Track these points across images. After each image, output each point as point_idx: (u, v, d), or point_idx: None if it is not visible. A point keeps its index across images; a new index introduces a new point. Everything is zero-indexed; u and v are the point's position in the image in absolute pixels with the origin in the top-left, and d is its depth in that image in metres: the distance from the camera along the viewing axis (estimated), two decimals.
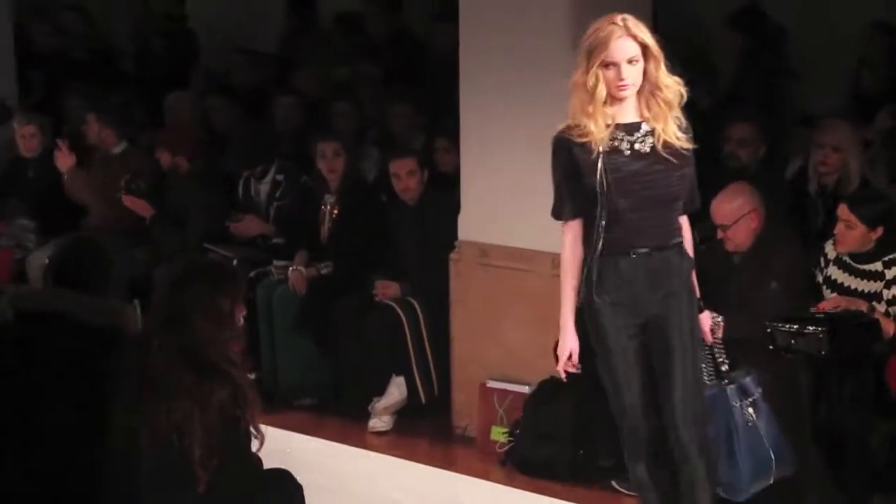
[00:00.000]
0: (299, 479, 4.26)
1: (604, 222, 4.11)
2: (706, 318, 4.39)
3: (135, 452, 3.88)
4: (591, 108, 4.07)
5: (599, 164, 4.07)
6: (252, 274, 6.62)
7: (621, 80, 4.05)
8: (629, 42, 4.05)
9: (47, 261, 4.98)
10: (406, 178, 6.41)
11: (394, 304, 6.30)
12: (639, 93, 4.11)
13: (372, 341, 6.33)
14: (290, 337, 6.57)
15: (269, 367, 6.60)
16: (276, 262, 6.75)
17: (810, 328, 4.79)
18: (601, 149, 4.08)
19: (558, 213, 4.26)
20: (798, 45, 7.76)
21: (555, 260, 5.93)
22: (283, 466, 4.25)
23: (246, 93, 8.48)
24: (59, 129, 7.87)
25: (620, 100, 4.10)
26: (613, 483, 5.41)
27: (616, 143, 4.10)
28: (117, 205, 7.28)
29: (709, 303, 4.42)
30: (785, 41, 7.83)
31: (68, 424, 4.18)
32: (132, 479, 3.90)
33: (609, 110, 4.09)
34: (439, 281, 6.16)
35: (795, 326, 4.81)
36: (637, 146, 4.11)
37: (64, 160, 7.39)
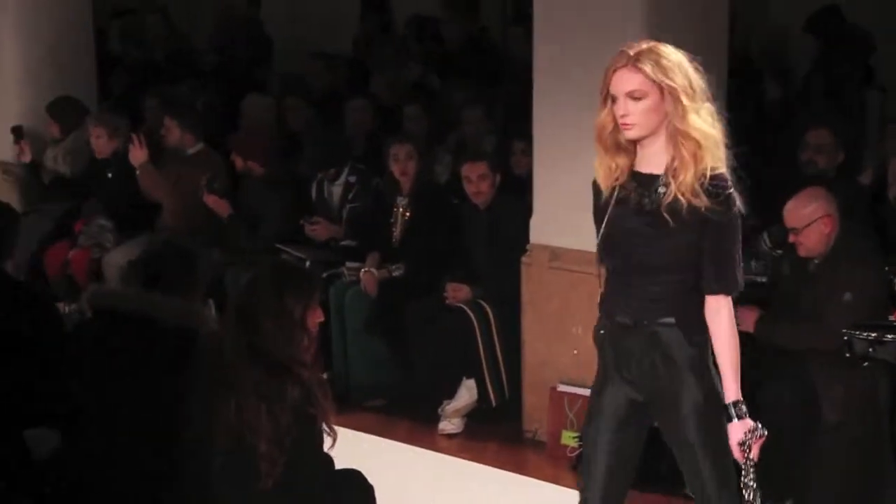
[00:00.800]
0: (370, 479, 4.28)
1: (603, 281, 3.78)
2: (738, 429, 3.64)
3: (207, 449, 3.92)
4: (599, 147, 3.69)
5: (607, 215, 3.69)
6: (324, 275, 6.66)
7: (620, 115, 3.59)
8: (632, 74, 3.57)
9: (128, 262, 5.00)
10: (478, 181, 6.42)
11: (465, 307, 6.31)
12: (669, 140, 3.59)
13: (443, 344, 6.35)
14: (362, 338, 6.61)
15: (340, 368, 6.64)
16: (348, 264, 6.79)
17: (889, 336, 4.71)
18: (614, 197, 3.67)
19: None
20: (882, 52, 7.64)
21: None
22: (354, 467, 4.27)
23: (320, 96, 8.55)
24: (136, 131, 7.96)
25: (637, 143, 3.63)
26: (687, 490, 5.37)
27: (625, 194, 3.66)
28: (190, 204, 7.35)
29: (783, 310, 4.30)
30: (866, 46, 7.71)
31: (143, 422, 4.22)
32: (205, 476, 3.94)
33: (622, 156, 3.65)
34: (510, 284, 6.16)
35: (874, 335, 4.73)
36: (645, 201, 3.62)
37: (136, 154, 7.47)
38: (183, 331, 4.25)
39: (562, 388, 5.95)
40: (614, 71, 3.61)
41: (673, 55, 3.58)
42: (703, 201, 3.54)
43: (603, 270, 3.79)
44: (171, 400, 4.06)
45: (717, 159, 3.58)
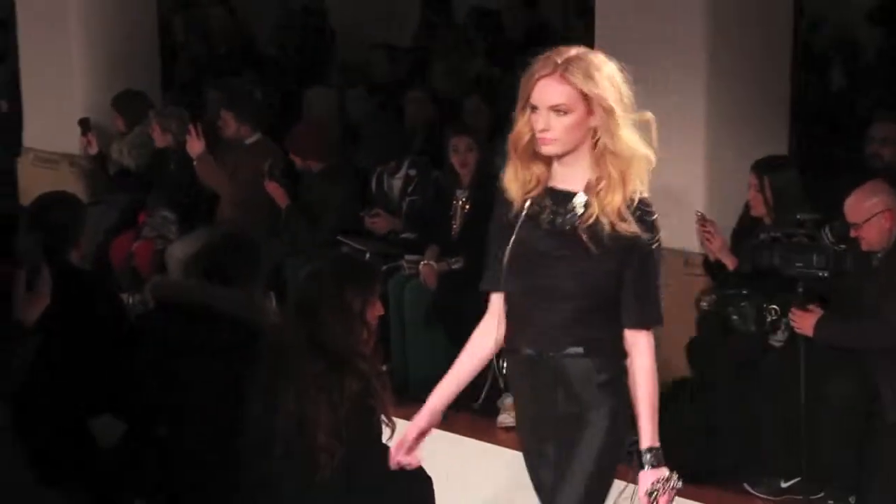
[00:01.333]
0: (428, 471, 4.29)
1: (506, 306, 3.41)
2: (648, 477, 3.30)
3: (268, 440, 3.94)
4: (514, 157, 3.31)
5: (515, 232, 3.30)
6: (384, 268, 6.68)
7: (540, 129, 3.21)
8: (558, 85, 3.19)
9: (190, 254, 5.03)
10: None
11: None
12: (595, 157, 3.24)
13: None
14: (421, 331, 6.61)
15: (399, 360, 6.66)
16: (407, 257, 6.80)
17: None
18: (524, 213, 3.29)
19: (482, 281, 3.49)
20: None
21: (688, 259, 5.91)
22: None
23: (381, 87, 8.57)
24: (197, 122, 8.05)
25: (555, 157, 3.26)
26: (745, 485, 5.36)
27: (537, 211, 3.28)
28: (248, 195, 7.41)
29: (846, 305, 4.22)
30: None
31: (205, 412, 4.26)
32: (265, 466, 3.97)
33: (537, 169, 3.28)
34: None
35: None
36: (559, 220, 3.26)
37: (194, 145, 7.53)
38: (243, 323, 4.28)
39: None
40: (538, 79, 3.23)
41: (605, 65, 3.23)
42: (630, 227, 3.22)
43: (495, 296, 3.45)
44: (231, 391, 4.10)
45: (644, 181, 3.26)
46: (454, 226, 6.82)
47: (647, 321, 3.34)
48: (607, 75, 3.22)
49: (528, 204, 3.30)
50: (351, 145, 7.66)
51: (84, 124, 8.29)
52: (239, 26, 10.43)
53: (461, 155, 6.71)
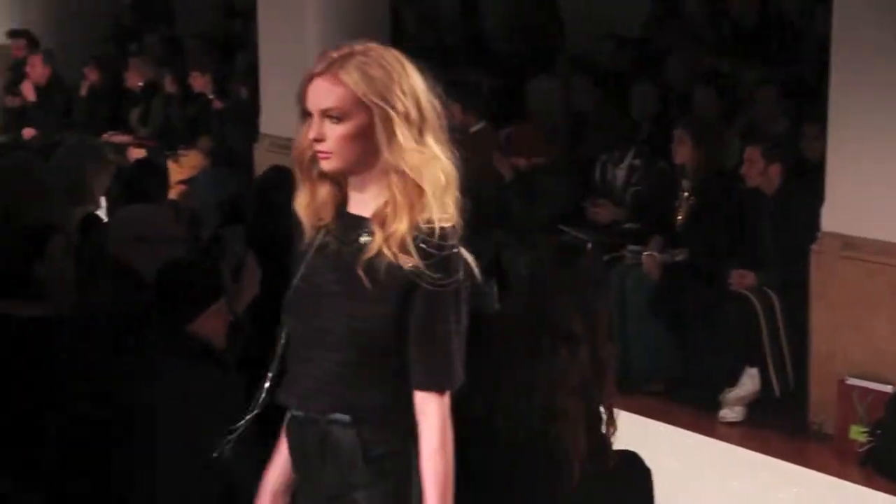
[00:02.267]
0: (647, 463, 4.25)
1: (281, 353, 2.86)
2: None
3: (490, 430, 3.94)
4: (301, 176, 2.78)
5: (302, 266, 2.78)
6: (606, 258, 6.65)
7: (313, 139, 2.69)
8: (330, 86, 2.66)
9: None
10: (748, 165, 6.28)
11: (749, 294, 6.17)
12: (383, 177, 2.68)
13: (725, 330, 6.24)
14: (642, 322, 6.56)
15: (618, 351, 6.61)
16: (630, 247, 6.76)
17: None
18: (316, 242, 2.76)
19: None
20: None
21: None
22: (631, 449, 4.25)
23: (608, 77, 8.52)
24: None
25: (343, 176, 2.72)
26: None
27: (327, 240, 2.74)
28: (471, 183, 7.45)
29: None
30: None
31: None
32: (487, 457, 3.98)
33: (328, 189, 2.74)
34: (798, 272, 5.98)
35: None
36: (345, 251, 2.70)
37: None
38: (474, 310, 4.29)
39: (851, 381, 5.76)
40: (311, 79, 2.71)
41: (393, 63, 2.69)
42: (411, 261, 2.62)
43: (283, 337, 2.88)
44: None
45: (447, 209, 2.69)
46: (678, 217, 6.73)
47: (432, 382, 2.71)
48: (396, 75, 2.66)
49: (320, 233, 2.75)
50: (575, 134, 7.65)
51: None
52: (469, 17, 10.54)
53: (687, 147, 6.62)
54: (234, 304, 4.28)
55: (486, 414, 3.93)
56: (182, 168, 9.27)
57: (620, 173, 7.11)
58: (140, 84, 10.10)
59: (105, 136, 9.73)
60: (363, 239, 2.67)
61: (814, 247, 5.96)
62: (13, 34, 10.71)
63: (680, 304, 6.41)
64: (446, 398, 2.75)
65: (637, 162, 7.05)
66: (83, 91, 10.48)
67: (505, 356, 3.94)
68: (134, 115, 10.09)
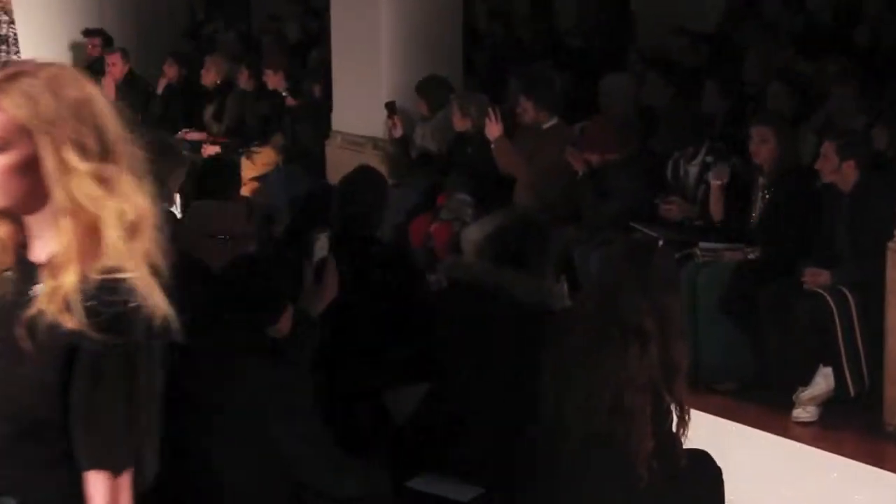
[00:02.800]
0: (718, 462, 4.23)
1: None
2: None
3: (561, 428, 3.93)
4: None
5: None
6: (677, 255, 6.60)
7: None
8: None
9: (484, 236, 5.09)
10: (822, 161, 6.20)
11: (824, 292, 6.09)
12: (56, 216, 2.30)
13: (799, 329, 6.16)
14: (714, 320, 6.50)
15: (689, 349, 6.55)
16: (702, 244, 6.70)
17: None
18: None
19: None
20: None
21: None
22: (701, 448, 4.22)
23: (681, 73, 8.46)
24: (496, 107, 8.14)
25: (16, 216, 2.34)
26: None
27: (3, 292, 2.35)
28: (544, 179, 7.47)
29: None
30: None
31: (496, 392, 4.32)
32: (555, 454, 3.97)
33: (6, 228, 2.36)
34: (874, 270, 5.90)
35: None
36: (14, 306, 2.31)
37: (492, 129, 7.66)
38: (533, 306, 4.31)
39: None
40: None
41: (69, 85, 2.30)
42: (72, 320, 2.23)
43: None
44: (522, 373, 4.14)
45: (132, 257, 2.29)
46: (753, 214, 6.67)
47: (94, 461, 2.29)
48: (72, 101, 2.28)
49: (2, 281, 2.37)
50: (647, 130, 7.61)
51: (390, 107, 8.56)
52: (540, 13, 10.53)
53: (762, 143, 6.56)
54: (313, 304, 4.34)
55: (555, 411, 3.93)
56: (255, 165, 9.35)
57: (693, 170, 7.05)
58: (215, 82, 10.20)
59: (180, 134, 9.86)
60: (33, 291, 2.29)
61: (890, 244, 5.87)
62: (88, 33, 10.88)
63: (752, 302, 6.35)
64: (122, 481, 2.29)
65: (710, 159, 6.99)
66: (159, 88, 10.62)
67: (574, 353, 3.93)
68: (208, 112, 10.20)
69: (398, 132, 8.54)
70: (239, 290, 3.93)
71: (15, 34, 9.14)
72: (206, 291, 4.09)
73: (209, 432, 3.84)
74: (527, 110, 7.74)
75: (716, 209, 6.74)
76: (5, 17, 9.07)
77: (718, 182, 6.71)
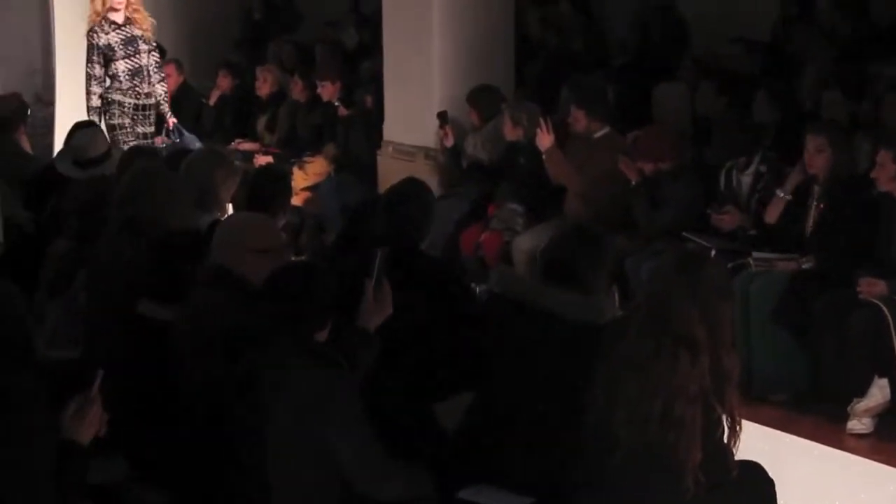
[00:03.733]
0: (771, 474, 4.18)
1: None
2: None
3: (611, 437, 3.90)
4: None
5: None
6: (730, 265, 6.55)
7: None
8: None
9: (538, 251, 4.98)
10: (880, 169, 6.13)
11: (879, 303, 6.02)
12: None
13: (854, 340, 6.08)
14: (767, 330, 6.44)
15: (742, 359, 6.49)
16: (755, 254, 6.65)
17: None
18: None
19: None
20: None
21: None
22: (754, 460, 4.18)
23: (735, 82, 8.40)
24: (547, 117, 8.14)
25: None
26: None
27: None
28: (595, 189, 7.45)
29: None
30: None
31: (543, 405, 4.29)
32: (604, 462, 3.95)
33: None
34: None
35: None
36: None
37: (543, 139, 7.65)
38: (581, 325, 4.26)
39: None
40: None
41: None
42: None
43: None
44: (570, 383, 4.12)
45: None
46: (807, 224, 6.61)
47: None
48: None
49: None
50: (700, 140, 7.56)
51: (442, 117, 8.57)
52: (591, 23, 10.50)
53: (816, 152, 6.50)
54: (370, 321, 4.37)
55: (605, 420, 3.91)
56: (307, 175, 9.40)
57: (746, 179, 7.00)
58: (268, 92, 10.26)
59: (233, 144, 9.93)
60: None
61: None
62: None
63: (806, 312, 6.28)
64: None
65: (763, 168, 6.94)
66: (212, 99, 10.69)
67: (625, 363, 3.91)
68: (261, 122, 10.27)
69: (450, 142, 8.55)
70: (282, 305, 3.97)
71: (157, 62, 9.01)
72: (251, 306, 4.13)
73: (262, 441, 3.87)
74: (578, 120, 7.72)
75: (772, 214, 6.69)
76: (145, 46, 8.88)
77: (782, 195, 6.65)
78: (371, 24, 10.72)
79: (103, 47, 8.76)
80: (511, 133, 8.13)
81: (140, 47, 8.83)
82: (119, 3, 8.77)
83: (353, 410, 3.94)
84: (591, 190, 7.52)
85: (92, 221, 5.50)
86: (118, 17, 8.81)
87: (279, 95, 10.22)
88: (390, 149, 9.12)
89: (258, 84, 10.30)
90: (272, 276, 4.11)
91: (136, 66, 8.83)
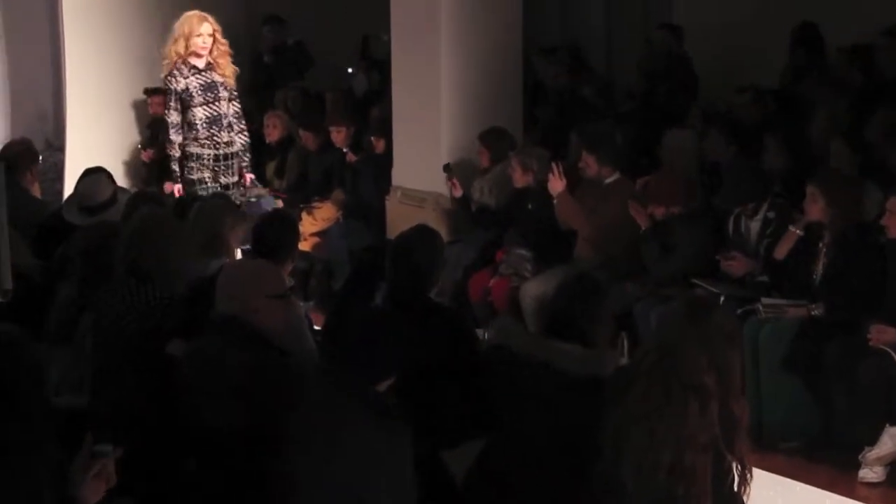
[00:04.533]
0: None
1: None
2: None
3: (620, 487, 3.87)
4: None
5: None
6: (739, 312, 6.53)
7: None
8: None
9: (539, 300, 4.96)
10: (890, 216, 6.11)
11: (890, 350, 5.99)
12: None
13: (865, 388, 6.05)
14: (777, 377, 6.42)
15: (753, 406, 6.46)
16: (764, 301, 6.62)
17: None
18: None
19: None
20: None
21: None
22: None
23: (743, 129, 8.41)
24: (558, 163, 8.14)
25: None
26: None
27: None
28: (606, 233, 7.44)
29: None
30: None
31: (547, 455, 4.27)
32: None
33: None
34: None
35: None
36: None
37: (555, 184, 7.66)
38: (583, 378, 4.24)
39: None
40: None
41: None
42: None
43: None
44: (577, 432, 4.09)
45: None
46: (816, 270, 6.59)
47: None
48: None
49: None
50: (710, 186, 7.56)
51: (448, 168, 8.59)
52: (596, 71, 10.53)
53: (810, 203, 6.52)
54: None
55: (613, 470, 3.88)
56: (316, 220, 9.41)
57: (755, 226, 7.00)
58: (276, 139, 10.28)
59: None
60: None
61: None
62: (150, 91, 11.01)
63: (817, 359, 6.25)
64: None
65: (772, 215, 6.94)
66: None
67: (634, 411, 3.88)
68: (270, 168, 10.29)
69: (458, 192, 8.57)
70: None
71: (237, 111, 8.41)
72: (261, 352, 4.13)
73: (294, 485, 3.85)
74: (589, 165, 7.73)
75: (781, 250, 6.67)
76: (225, 93, 8.29)
77: (794, 230, 6.65)
78: (380, 69, 10.75)
79: (181, 92, 8.18)
80: (521, 179, 8.14)
81: (220, 94, 8.24)
82: (203, 49, 8.18)
83: (406, 471, 3.92)
84: (601, 235, 7.52)
85: (95, 267, 5.52)
86: (199, 62, 8.23)
87: (288, 141, 10.24)
88: (399, 194, 9.13)
89: (267, 131, 10.32)
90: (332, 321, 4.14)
91: (216, 113, 8.25)
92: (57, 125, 11.53)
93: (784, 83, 9.34)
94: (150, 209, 5.89)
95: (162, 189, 10.00)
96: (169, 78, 8.23)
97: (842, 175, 6.88)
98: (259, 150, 10.42)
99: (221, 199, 6.78)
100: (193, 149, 8.25)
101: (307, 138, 9.93)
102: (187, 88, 8.17)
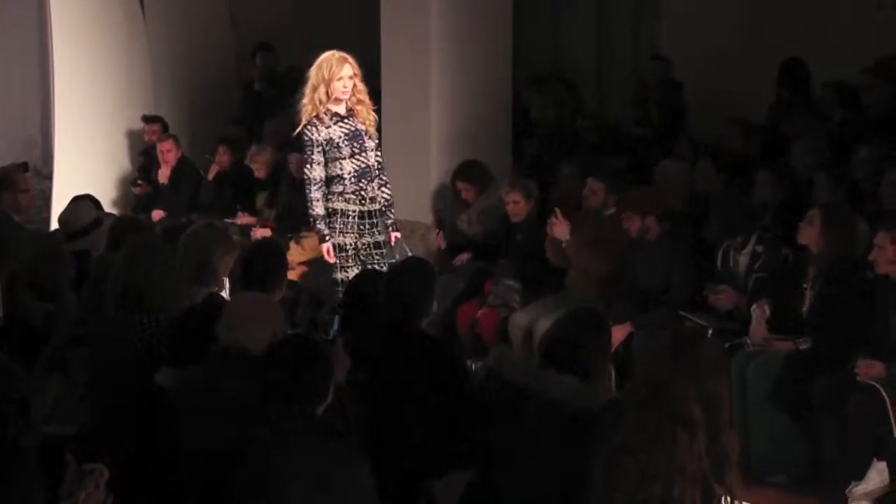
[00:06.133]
0: None
1: None
2: None
3: None
4: None
5: None
6: (726, 345, 6.55)
7: None
8: None
9: (541, 335, 4.90)
10: (877, 251, 6.14)
11: (877, 385, 6.00)
12: None
13: (852, 422, 6.05)
14: (764, 410, 6.42)
15: (740, 440, 6.46)
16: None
17: None
18: None
19: None
20: None
21: None
22: None
23: (732, 162, 8.45)
24: (547, 195, 8.18)
25: None
26: None
27: None
28: (602, 265, 7.46)
29: None
30: None
31: (539, 486, 4.26)
32: None
33: None
34: None
35: None
36: None
37: (561, 229, 7.65)
38: (575, 410, 4.23)
39: None
40: None
41: None
42: None
43: None
44: (565, 464, 4.09)
45: None
46: (804, 305, 6.60)
47: None
48: None
49: None
50: (698, 219, 7.59)
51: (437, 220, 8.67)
52: (581, 104, 10.59)
53: (809, 233, 6.54)
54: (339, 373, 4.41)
55: (603, 502, 3.87)
56: (304, 250, 9.39)
57: (743, 259, 7.02)
58: (264, 175, 10.25)
59: (228, 219, 9.93)
60: None
61: None
62: (148, 119, 11.02)
63: (804, 393, 6.26)
64: None
65: (760, 248, 6.96)
66: (210, 174, 10.71)
67: (623, 444, 3.88)
68: (261, 198, 10.28)
69: (441, 245, 8.74)
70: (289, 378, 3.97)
71: (380, 162, 7.47)
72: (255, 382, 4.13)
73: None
74: (596, 192, 7.76)
75: (755, 333, 6.66)
76: (371, 143, 7.35)
77: (760, 311, 6.64)
78: (374, 99, 10.77)
79: (324, 143, 7.25)
80: (514, 210, 8.18)
81: (366, 144, 7.32)
82: (344, 94, 7.23)
83: (362, 491, 3.92)
84: (596, 266, 7.52)
85: (81, 294, 5.51)
86: (341, 109, 7.29)
87: (277, 172, 10.23)
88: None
89: (255, 167, 10.29)
90: (273, 348, 4.12)
91: (364, 165, 7.30)
92: (45, 152, 11.52)
93: (772, 118, 9.39)
94: (141, 237, 5.89)
95: (150, 217, 10.01)
96: (309, 128, 7.26)
97: (845, 208, 6.90)
98: (248, 180, 10.44)
99: (210, 227, 6.77)
100: (338, 204, 7.34)
101: (297, 160, 9.92)
102: (332, 139, 7.26)
